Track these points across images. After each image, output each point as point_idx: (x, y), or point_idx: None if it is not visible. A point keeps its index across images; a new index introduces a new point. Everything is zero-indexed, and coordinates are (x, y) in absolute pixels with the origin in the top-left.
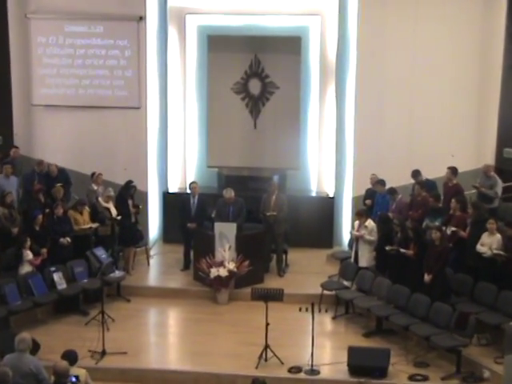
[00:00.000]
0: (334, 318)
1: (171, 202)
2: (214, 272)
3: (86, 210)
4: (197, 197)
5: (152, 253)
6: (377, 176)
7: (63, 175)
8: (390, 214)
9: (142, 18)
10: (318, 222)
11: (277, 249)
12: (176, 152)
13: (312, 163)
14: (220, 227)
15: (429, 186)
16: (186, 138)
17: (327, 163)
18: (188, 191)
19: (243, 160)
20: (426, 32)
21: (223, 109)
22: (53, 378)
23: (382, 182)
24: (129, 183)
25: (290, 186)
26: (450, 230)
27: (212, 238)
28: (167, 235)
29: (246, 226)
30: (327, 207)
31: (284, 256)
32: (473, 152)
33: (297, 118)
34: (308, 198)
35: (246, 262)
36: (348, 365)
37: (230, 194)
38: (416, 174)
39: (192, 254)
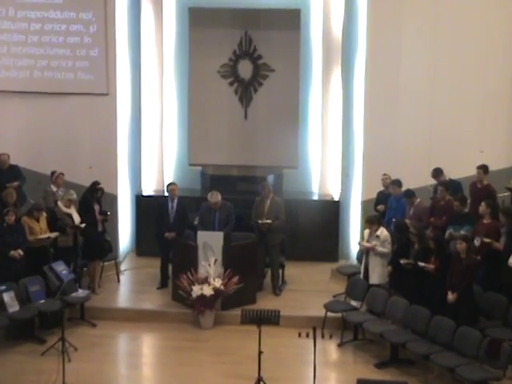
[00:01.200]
0: (339, 346)
1: (146, 207)
2: (196, 290)
3: (44, 216)
4: (176, 201)
5: (123, 268)
6: (389, 176)
7: (15, 170)
8: (407, 221)
9: None
10: (320, 231)
11: (272, 263)
12: (151, 147)
13: (313, 161)
14: (204, 237)
15: (453, 187)
16: (164, 130)
17: (331, 161)
18: (166, 194)
19: (232, 157)
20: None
21: (208, 96)
22: None
23: (397, 183)
24: (95, 185)
25: (287, 187)
26: (478, 240)
27: (194, 250)
28: (141, 247)
29: (236, 236)
30: (332, 213)
31: (280, 271)
32: (504, 148)
33: (295, 106)
34: (309, 202)
35: (235, 279)
36: None
37: (216, 197)
38: (437, 173)
39: (170, 269)
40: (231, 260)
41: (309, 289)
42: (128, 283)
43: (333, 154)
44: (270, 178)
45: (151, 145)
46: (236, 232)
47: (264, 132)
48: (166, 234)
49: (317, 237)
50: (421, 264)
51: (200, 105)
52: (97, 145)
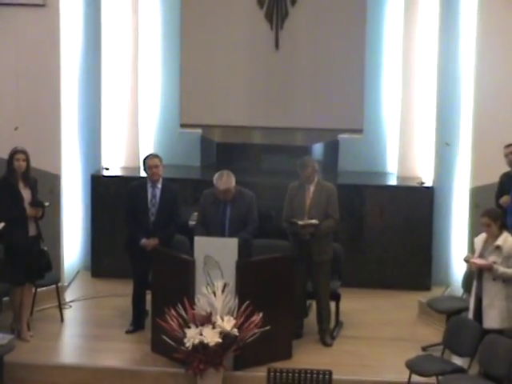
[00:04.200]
0: None
1: (108, 194)
2: (192, 336)
3: None
4: (160, 186)
5: (69, 297)
6: None
7: None
8: None
9: None
10: (401, 239)
11: (318, 291)
12: (117, 100)
13: (389, 123)
14: (206, 246)
15: None
16: (139, 72)
17: (419, 125)
18: (142, 174)
19: (253, 114)
20: None
21: (211, 13)
22: None
23: None
24: (16, 154)
25: (344, 165)
26: None
27: (190, 269)
28: (99, 262)
29: (259, 246)
30: (421, 208)
31: (333, 306)
32: None
33: (360, 31)
34: (382, 190)
35: (257, 318)
36: None
37: (226, 181)
38: None
39: (149, 299)
40: (251, 286)
41: (381, 335)
42: (78, 323)
43: (421, 115)
44: (316, 150)
45: (117, 96)
46: (259, 239)
47: (306, 72)
48: (143, 242)
49: (395, 248)
50: None
51: (199, 28)
52: (26, 90)
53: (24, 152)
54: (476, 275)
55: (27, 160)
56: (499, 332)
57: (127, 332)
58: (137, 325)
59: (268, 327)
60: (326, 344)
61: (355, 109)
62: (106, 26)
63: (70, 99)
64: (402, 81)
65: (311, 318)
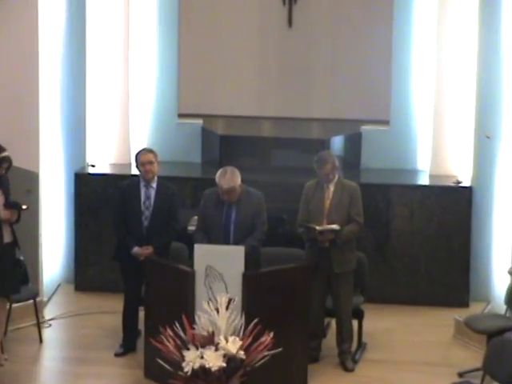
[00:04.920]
0: None
1: (95, 196)
2: (191, 359)
3: None
4: (155, 185)
5: (49, 315)
6: None
7: None
8: None
9: None
10: (434, 246)
11: (339, 308)
12: (105, 86)
13: (420, 113)
14: (208, 255)
15: None
16: (130, 52)
17: (454, 115)
18: (134, 172)
19: (262, 102)
20: None
21: None
22: None
23: None
24: None
25: (368, 161)
26: None
27: (189, 280)
28: (84, 274)
29: (269, 254)
30: (457, 211)
31: (355, 324)
32: None
33: (388, 7)
34: (411, 191)
35: (267, 338)
36: None
37: (231, 179)
38: None
39: (142, 317)
40: (260, 301)
41: (410, 359)
42: (60, 345)
43: (456, 104)
44: (336, 144)
45: (105, 84)
46: (269, 247)
47: (324, 54)
48: (135, 250)
49: (427, 258)
50: None
51: (200, 3)
52: (2, 83)
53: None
54: None
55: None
56: None
57: (116, 355)
58: (128, 346)
59: (280, 349)
60: (347, 369)
61: (380, 96)
62: (92, 6)
63: (51, 88)
64: (435, 66)
65: (330, 339)
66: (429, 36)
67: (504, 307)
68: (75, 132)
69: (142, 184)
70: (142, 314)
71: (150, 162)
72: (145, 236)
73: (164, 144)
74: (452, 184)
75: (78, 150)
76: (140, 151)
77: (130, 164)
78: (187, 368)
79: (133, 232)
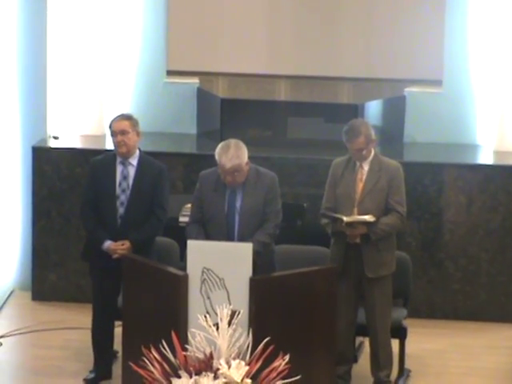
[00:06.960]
0: None
1: (58, 176)
2: None
3: None
4: (135, 162)
5: (0, 329)
6: None
7: None
8: None
9: None
10: (497, 244)
11: (373, 324)
12: (72, 41)
13: (481, 74)
14: (205, 254)
15: None
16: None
17: None
18: (108, 147)
19: (274, 57)
20: None
21: None
22: None
23: None
24: None
25: (413, 134)
26: None
27: (180, 287)
28: (43, 278)
29: (284, 253)
30: None
31: (396, 344)
32: None
33: None
34: (468, 172)
35: (281, 361)
36: None
37: (234, 155)
38: None
39: (120, 333)
40: (272, 314)
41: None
42: (13, 368)
43: None
44: (372, 111)
45: (72, 39)
46: (284, 244)
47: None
48: (107, 245)
49: (488, 260)
50: None
51: None
52: None
53: None
54: None
55: None
56: None
57: (86, 382)
58: (100, 371)
59: (298, 376)
60: None
61: (431, 51)
62: None
63: (4, 39)
64: (503, 21)
65: (363, 364)
66: None
67: None
68: (35, 95)
69: (118, 161)
70: (118, 330)
71: (123, 132)
72: (119, 227)
73: (149, 110)
74: None
75: (38, 118)
76: (114, 118)
77: (104, 136)
78: None
79: (105, 222)
